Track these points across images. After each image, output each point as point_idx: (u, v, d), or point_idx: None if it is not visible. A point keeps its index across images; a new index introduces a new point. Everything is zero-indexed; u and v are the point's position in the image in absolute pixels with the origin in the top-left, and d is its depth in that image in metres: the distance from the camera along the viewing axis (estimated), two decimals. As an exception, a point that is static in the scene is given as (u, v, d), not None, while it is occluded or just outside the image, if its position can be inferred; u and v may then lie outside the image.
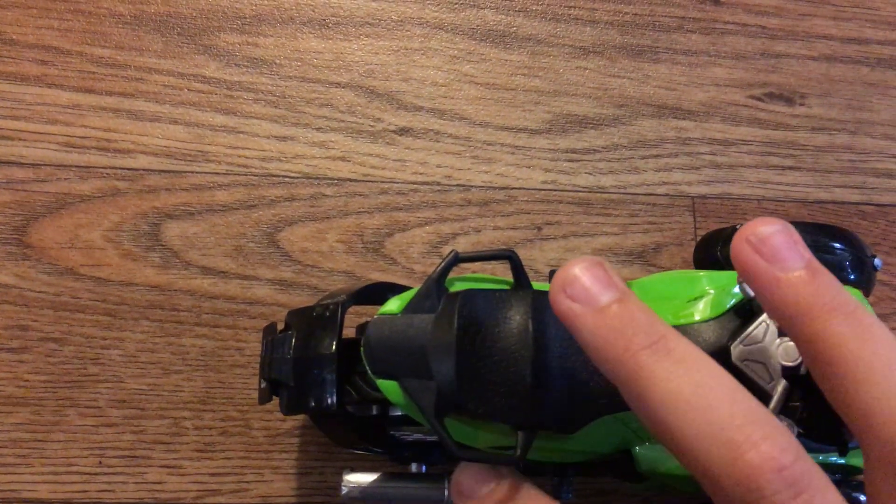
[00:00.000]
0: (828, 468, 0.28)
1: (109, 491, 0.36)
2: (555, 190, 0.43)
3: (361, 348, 0.28)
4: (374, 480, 0.32)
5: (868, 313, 0.23)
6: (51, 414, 0.37)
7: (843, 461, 0.30)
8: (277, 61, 0.43)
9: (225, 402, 0.38)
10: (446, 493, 0.32)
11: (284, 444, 0.38)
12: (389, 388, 0.28)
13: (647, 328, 0.23)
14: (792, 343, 0.27)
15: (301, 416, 0.38)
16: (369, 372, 0.28)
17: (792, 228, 0.23)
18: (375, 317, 0.28)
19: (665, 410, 0.22)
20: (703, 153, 0.44)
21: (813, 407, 0.27)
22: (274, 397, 0.32)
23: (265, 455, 0.37)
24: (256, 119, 0.42)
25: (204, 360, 0.38)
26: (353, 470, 0.33)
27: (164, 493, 0.36)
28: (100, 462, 0.36)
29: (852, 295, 0.23)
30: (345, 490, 0.32)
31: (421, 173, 0.42)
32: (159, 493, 0.36)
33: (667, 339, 0.23)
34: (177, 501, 0.36)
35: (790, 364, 0.27)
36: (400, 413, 0.32)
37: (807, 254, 0.23)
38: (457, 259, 0.29)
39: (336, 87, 0.43)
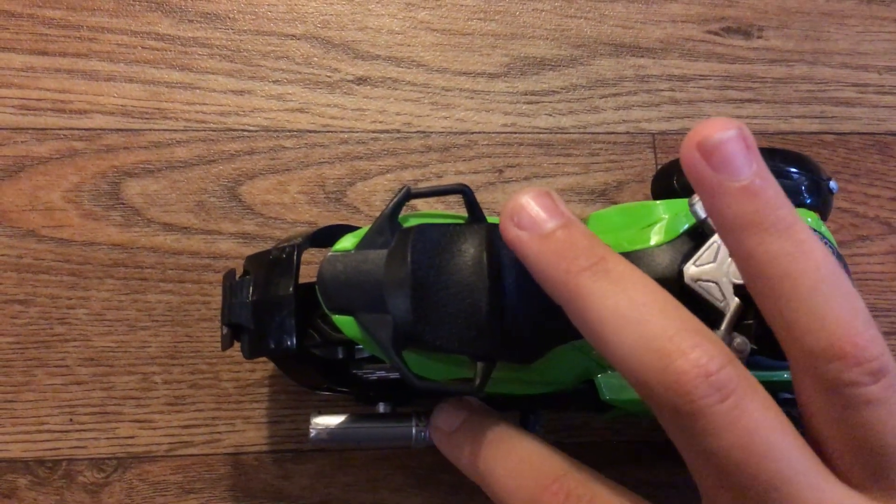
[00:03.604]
0: (783, 385, 0.28)
1: (82, 447, 0.36)
2: (515, 133, 0.43)
3: (316, 286, 0.28)
4: (342, 422, 0.33)
5: (804, 230, 0.23)
6: (19, 375, 0.37)
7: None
8: (231, 15, 0.43)
9: (193, 356, 0.38)
10: (414, 430, 0.32)
11: (255, 394, 0.38)
12: (346, 323, 0.28)
13: (587, 251, 0.25)
14: None
15: (270, 367, 0.38)
16: (324, 308, 0.28)
17: (747, 132, 0.23)
18: (329, 254, 0.28)
19: (603, 326, 0.24)
20: (662, 90, 0.44)
21: (766, 324, 0.28)
22: (236, 343, 0.32)
23: (236, 405, 0.38)
24: (212, 74, 0.42)
25: (170, 315, 0.38)
26: (321, 413, 0.33)
27: (136, 447, 0.37)
28: (71, 420, 0.37)
29: (793, 210, 0.24)
30: (313, 432, 0.33)
31: (380, 122, 0.42)
32: (131, 447, 0.36)
33: (606, 260, 0.24)
34: (149, 454, 0.37)
35: (742, 282, 0.28)
36: (367, 355, 0.33)
37: (756, 164, 0.23)
38: (409, 194, 0.29)
39: (292, 39, 0.43)
